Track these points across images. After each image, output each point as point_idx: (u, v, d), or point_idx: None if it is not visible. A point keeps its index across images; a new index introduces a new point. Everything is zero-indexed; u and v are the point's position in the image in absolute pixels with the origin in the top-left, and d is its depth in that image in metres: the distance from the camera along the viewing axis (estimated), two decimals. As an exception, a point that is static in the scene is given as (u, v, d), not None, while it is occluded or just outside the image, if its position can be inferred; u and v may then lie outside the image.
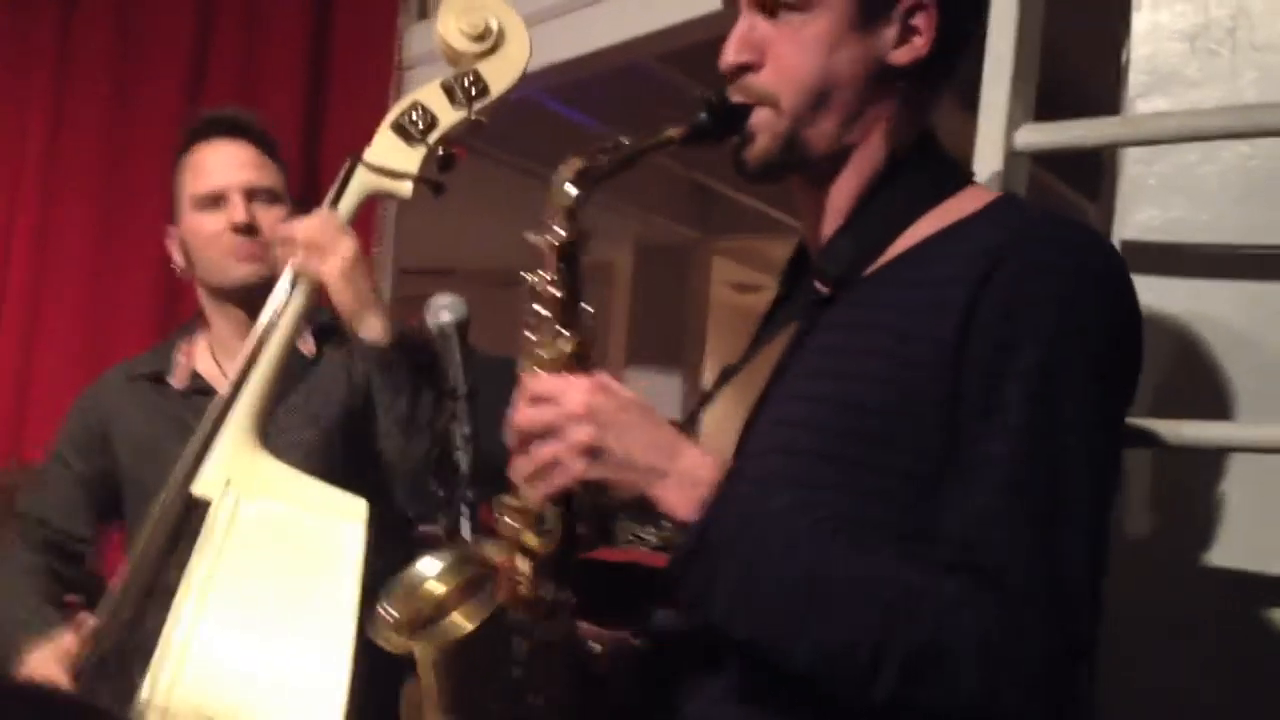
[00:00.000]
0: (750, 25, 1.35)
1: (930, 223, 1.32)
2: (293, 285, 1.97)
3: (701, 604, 1.22)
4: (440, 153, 1.98)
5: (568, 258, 1.32)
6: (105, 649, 1.90)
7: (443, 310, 1.89)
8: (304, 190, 3.53)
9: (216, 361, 2.26)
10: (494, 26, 1.97)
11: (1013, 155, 1.73)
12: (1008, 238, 1.22)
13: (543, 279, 1.33)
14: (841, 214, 1.37)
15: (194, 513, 1.86)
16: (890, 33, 1.32)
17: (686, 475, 1.22)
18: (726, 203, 6.36)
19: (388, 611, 1.33)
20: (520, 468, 1.26)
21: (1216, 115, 1.67)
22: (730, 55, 1.35)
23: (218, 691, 1.74)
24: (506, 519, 1.33)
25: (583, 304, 1.34)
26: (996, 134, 1.73)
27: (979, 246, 1.22)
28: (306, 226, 1.96)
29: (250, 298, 2.18)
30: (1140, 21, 1.76)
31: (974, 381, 1.18)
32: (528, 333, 1.34)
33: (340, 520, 1.83)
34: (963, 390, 1.18)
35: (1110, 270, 1.24)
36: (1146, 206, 1.72)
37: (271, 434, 1.98)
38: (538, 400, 1.26)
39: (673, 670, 1.37)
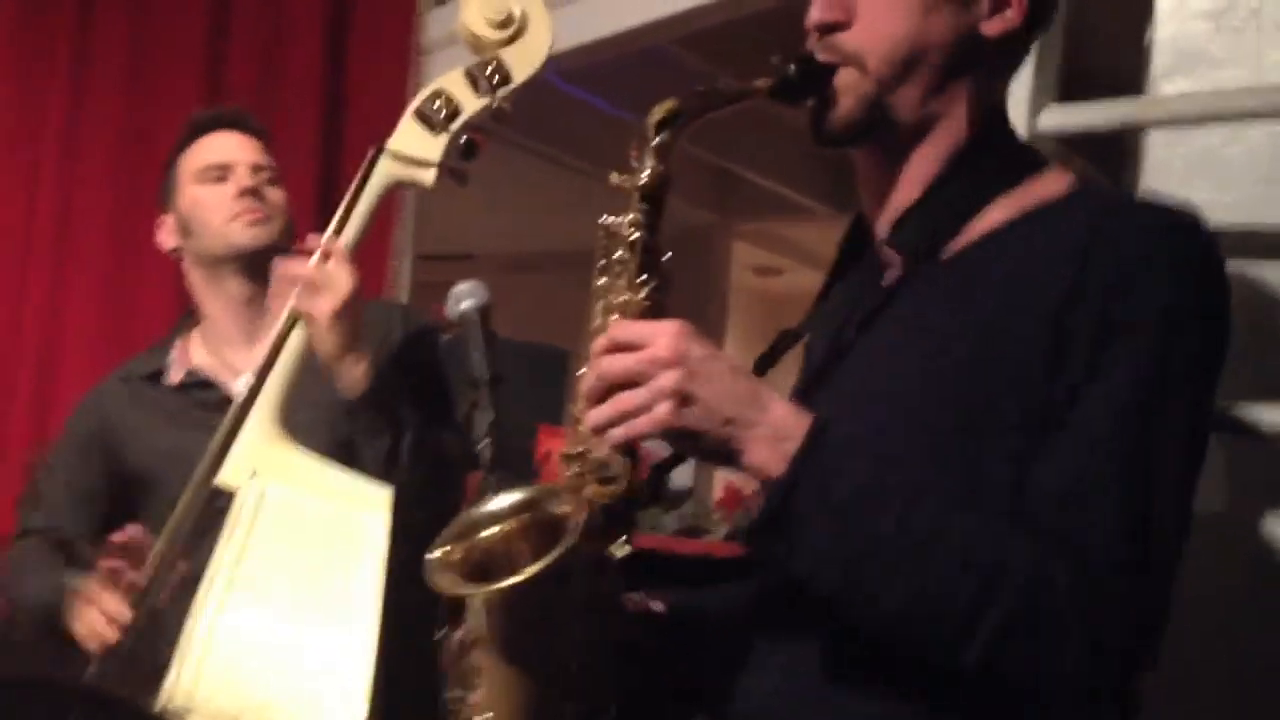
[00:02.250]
0: None
1: (1006, 207, 1.28)
2: None
3: (787, 558, 1.18)
4: (463, 140, 1.98)
5: (652, 198, 1.28)
6: (133, 638, 1.91)
7: (464, 297, 1.89)
8: (324, 174, 3.55)
9: (215, 353, 2.26)
10: (517, 14, 1.96)
11: (1036, 137, 1.72)
12: (1107, 216, 1.21)
13: (622, 222, 1.28)
14: (917, 188, 1.33)
15: (219, 502, 1.87)
16: (982, 5, 1.29)
17: (775, 428, 1.17)
18: (746, 186, 6.34)
19: (444, 551, 1.30)
20: (600, 414, 1.20)
21: (1241, 95, 1.65)
22: (817, 12, 1.31)
23: (241, 679, 1.75)
24: (571, 468, 1.29)
25: (662, 254, 1.29)
26: (1020, 116, 1.72)
27: (1077, 224, 1.20)
28: (311, 264, 1.93)
29: (253, 265, 2.19)
30: (1164, 1, 1.75)
31: (1080, 351, 1.16)
32: (602, 279, 1.29)
33: (364, 509, 1.83)
34: (1066, 360, 1.16)
35: (1211, 251, 1.22)
36: (1172, 189, 1.71)
37: None
38: (620, 347, 1.20)
39: (738, 646, 1.34)
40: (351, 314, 1.93)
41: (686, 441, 1.19)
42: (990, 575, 1.11)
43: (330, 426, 2.12)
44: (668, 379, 1.16)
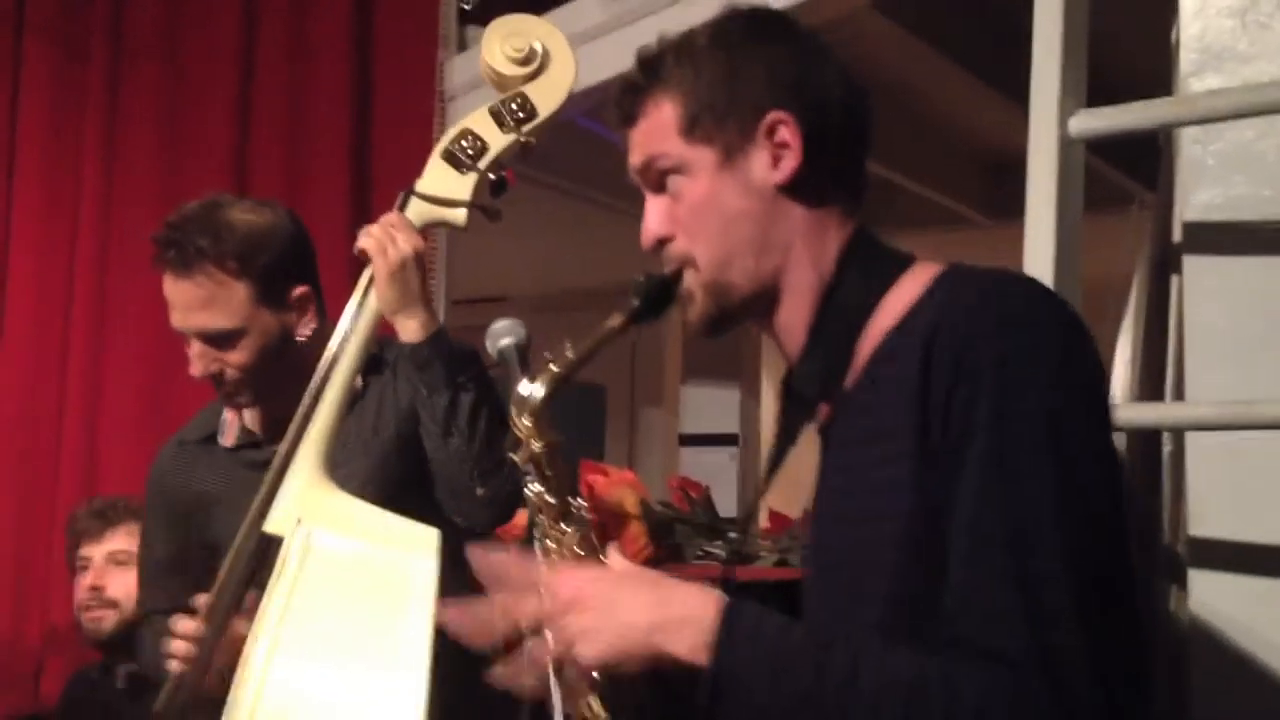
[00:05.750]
0: (653, 204, 1.42)
1: (885, 316, 1.33)
2: (352, 324, 1.97)
3: None
4: (492, 178, 1.99)
5: (547, 464, 1.42)
6: (187, 694, 1.91)
7: (502, 335, 1.89)
8: (354, 227, 3.56)
9: (267, 413, 2.26)
10: (538, 49, 1.97)
11: (1067, 143, 1.71)
12: (936, 317, 1.24)
13: (536, 492, 1.43)
14: (799, 337, 1.40)
15: (267, 552, 1.87)
16: (761, 158, 1.36)
17: (685, 619, 1.23)
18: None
19: None
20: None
21: (1271, 89, 1.64)
22: (646, 237, 1.43)
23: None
24: (581, 703, 1.37)
25: (574, 500, 1.43)
26: (1049, 123, 1.72)
27: (919, 336, 1.24)
28: (379, 225, 1.99)
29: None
30: (1188, 0, 1.74)
31: (940, 467, 1.19)
32: (545, 540, 1.43)
33: (412, 553, 1.82)
34: (935, 479, 1.19)
35: (1033, 314, 1.23)
36: (1207, 186, 1.70)
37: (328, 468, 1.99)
38: (545, 592, 1.31)
39: None
40: (408, 274, 1.96)
41: (624, 665, 1.26)
42: (908, 703, 1.14)
43: (383, 476, 2.12)
44: (570, 623, 1.27)
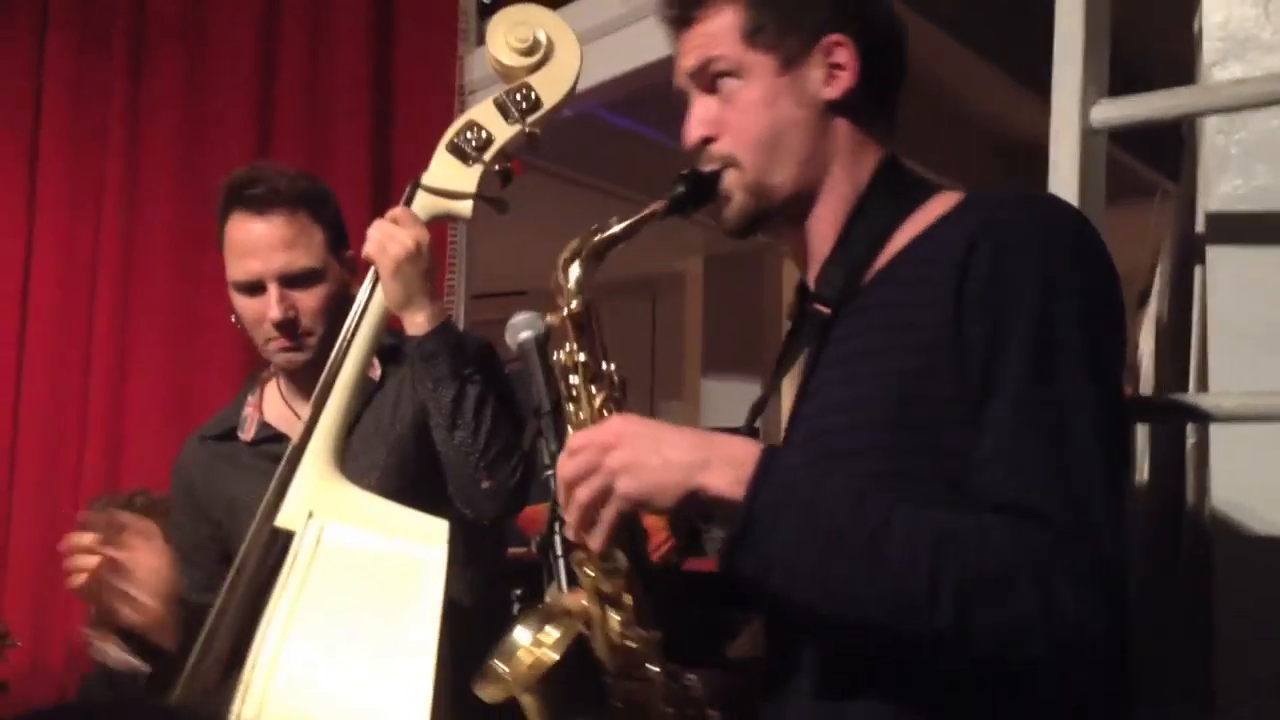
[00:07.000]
0: (701, 105, 1.50)
1: (909, 230, 1.42)
2: (361, 315, 1.98)
3: (763, 573, 1.28)
4: (498, 169, 1.98)
5: (581, 325, 1.46)
6: (199, 689, 1.91)
7: (522, 329, 1.89)
8: (375, 218, 3.58)
9: (289, 405, 2.27)
10: (542, 39, 1.97)
11: (1089, 133, 1.70)
12: (979, 222, 1.32)
13: (568, 352, 1.46)
14: (827, 244, 1.48)
15: (279, 545, 1.88)
16: (817, 74, 1.46)
17: (726, 458, 1.28)
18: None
19: (500, 669, 1.42)
20: (571, 518, 1.33)
21: (1297, 78, 1.63)
22: (690, 135, 1.50)
23: (302, 716, 1.75)
24: (584, 570, 1.40)
25: (607, 363, 1.47)
26: (1071, 113, 1.71)
27: (956, 235, 1.33)
28: (379, 224, 1.98)
29: (296, 374, 2.21)
30: (1211, -11, 1.73)
31: (976, 355, 1.28)
32: (570, 406, 1.47)
33: (421, 544, 1.84)
34: (967, 365, 1.28)
35: (1078, 233, 1.33)
36: (1230, 176, 1.69)
37: (346, 460, 2.00)
38: (574, 452, 1.33)
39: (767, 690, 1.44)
40: (414, 266, 1.96)
41: (656, 503, 1.30)
42: (940, 547, 1.20)
43: (401, 468, 2.13)
44: (613, 458, 1.30)
